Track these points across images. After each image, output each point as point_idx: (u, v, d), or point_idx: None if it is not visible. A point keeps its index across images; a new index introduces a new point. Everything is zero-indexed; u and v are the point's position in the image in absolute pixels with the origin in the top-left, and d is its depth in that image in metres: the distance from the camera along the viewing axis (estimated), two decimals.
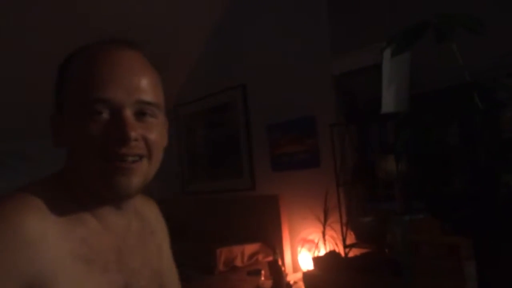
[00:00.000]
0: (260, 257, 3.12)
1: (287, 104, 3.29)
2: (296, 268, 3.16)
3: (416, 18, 2.40)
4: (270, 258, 3.01)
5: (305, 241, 3.04)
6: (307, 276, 2.59)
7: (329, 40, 3.03)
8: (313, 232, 3.00)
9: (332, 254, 2.62)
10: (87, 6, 2.96)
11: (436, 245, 1.78)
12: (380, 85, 2.43)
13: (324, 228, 2.86)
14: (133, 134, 0.71)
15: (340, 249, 2.73)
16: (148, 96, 0.75)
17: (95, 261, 0.72)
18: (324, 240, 2.86)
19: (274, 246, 3.08)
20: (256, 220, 3.31)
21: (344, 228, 2.68)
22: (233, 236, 3.30)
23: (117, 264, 0.76)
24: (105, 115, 0.71)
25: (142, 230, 0.86)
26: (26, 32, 2.89)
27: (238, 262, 3.04)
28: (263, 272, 2.85)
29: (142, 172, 0.75)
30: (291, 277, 2.97)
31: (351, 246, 2.64)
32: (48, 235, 0.67)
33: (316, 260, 2.64)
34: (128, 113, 0.72)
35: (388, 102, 2.43)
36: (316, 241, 2.95)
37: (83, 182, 0.74)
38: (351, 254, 2.65)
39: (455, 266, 1.72)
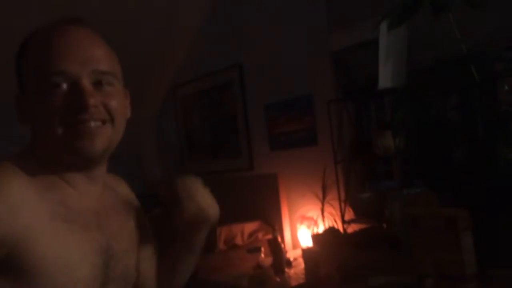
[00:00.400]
0: (259, 235, 3.14)
1: (284, 83, 3.27)
2: (295, 245, 3.19)
3: None
4: (270, 236, 3.04)
5: (304, 218, 3.07)
6: (306, 252, 2.61)
7: (326, 16, 2.99)
8: (312, 209, 3.02)
9: (331, 230, 2.64)
10: None
11: (434, 217, 1.79)
12: (377, 60, 2.42)
13: (323, 205, 2.87)
14: (92, 101, 0.75)
15: (339, 226, 2.75)
16: (103, 66, 0.78)
17: (75, 220, 0.76)
18: (323, 216, 2.88)
19: (273, 224, 3.10)
20: (255, 199, 3.33)
21: (343, 205, 2.69)
22: (233, 215, 3.31)
23: (97, 225, 0.80)
24: (64, 86, 0.75)
25: (115, 200, 0.91)
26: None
27: (238, 241, 3.06)
28: (263, 249, 2.88)
29: (106, 136, 0.78)
30: (291, 254, 3.01)
31: (349, 222, 2.66)
32: (27, 196, 0.70)
33: (315, 237, 2.66)
34: (86, 82, 0.76)
35: (385, 78, 2.42)
36: (315, 218, 2.97)
37: (50, 152, 0.77)
38: (349, 230, 2.67)
39: (452, 238, 1.73)
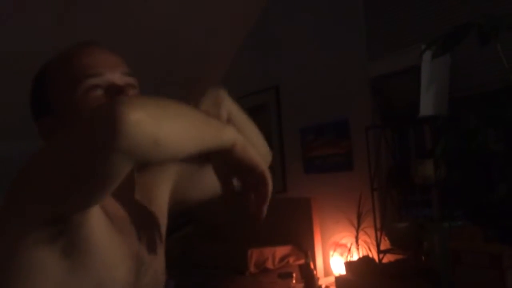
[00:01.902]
0: (291, 260, 3.10)
1: (321, 106, 3.26)
2: (327, 272, 3.13)
3: (454, 20, 2.35)
4: (301, 261, 2.99)
5: (338, 245, 3.01)
6: (340, 280, 2.55)
7: (366, 42, 2.99)
8: (345, 236, 2.96)
9: (365, 259, 2.58)
10: (132, 8, 3.02)
11: (478, 254, 1.72)
12: (417, 88, 2.38)
13: (358, 232, 2.81)
14: (130, 92, 0.76)
15: (374, 255, 2.68)
16: (128, 68, 0.80)
17: (115, 222, 0.76)
18: (357, 244, 2.82)
19: (305, 249, 3.05)
20: (288, 222, 3.29)
21: (378, 233, 2.63)
22: (264, 238, 3.29)
23: (129, 231, 0.79)
24: (101, 88, 0.75)
25: (142, 211, 0.89)
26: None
27: (269, 264, 3.03)
28: (294, 275, 2.83)
29: None
30: (323, 281, 2.94)
31: (385, 251, 2.59)
32: None
33: (349, 264, 2.60)
34: (121, 82, 0.77)
35: (427, 105, 2.37)
36: (348, 245, 2.91)
37: None
38: (385, 260, 2.60)
39: (497, 276, 1.66)
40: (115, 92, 0.75)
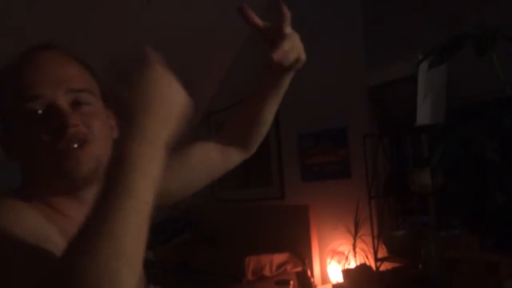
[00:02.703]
0: (288, 267, 3.10)
1: (318, 114, 3.28)
2: (325, 279, 3.13)
3: (450, 30, 2.37)
4: (299, 269, 2.99)
5: (335, 253, 3.01)
6: None
7: (364, 51, 3.01)
8: (343, 244, 2.97)
9: (363, 267, 2.58)
10: (126, 13, 3.04)
11: (475, 262, 1.73)
12: (414, 96, 2.40)
13: (355, 240, 2.82)
14: (71, 120, 0.70)
15: (371, 263, 2.69)
16: (77, 84, 0.74)
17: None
18: (355, 252, 2.83)
19: (303, 256, 3.05)
20: (285, 229, 3.30)
21: (376, 241, 2.63)
22: (262, 245, 3.29)
23: None
24: (40, 111, 0.70)
25: None
26: None
27: (267, 272, 3.03)
28: (291, 282, 2.83)
29: (91, 155, 0.72)
30: None
31: (382, 259, 2.59)
32: (41, 226, 0.67)
33: (347, 272, 2.61)
34: (61, 102, 0.71)
35: (424, 114, 2.39)
36: (346, 253, 2.91)
37: (40, 182, 0.73)
38: (382, 268, 2.60)
39: (494, 285, 1.67)
40: (53, 119, 0.69)
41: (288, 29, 0.88)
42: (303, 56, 0.93)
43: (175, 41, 3.42)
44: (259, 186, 3.77)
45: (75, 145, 0.71)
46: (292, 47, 0.87)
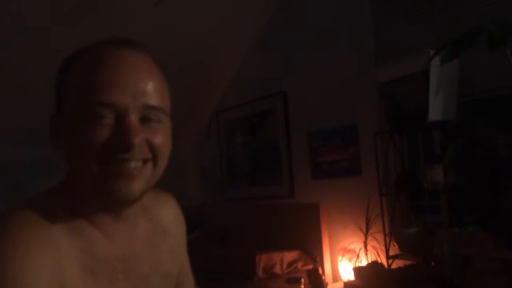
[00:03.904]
0: (299, 265, 3.09)
1: (328, 112, 3.26)
2: (336, 277, 3.12)
3: (461, 26, 2.34)
4: (310, 267, 2.98)
5: (346, 251, 3.00)
6: (348, 286, 2.54)
7: (374, 47, 2.99)
8: (354, 241, 2.95)
9: (374, 265, 2.56)
10: (126, 18, 3.05)
11: (488, 259, 1.71)
12: (426, 93, 2.38)
13: (366, 238, 2.80)
14: (137, 140, 0.66)
15: (383, 260, 2.67)
16: (154, 101, 0.69)
17: (101, 273, 0.68)
18: (366, 250, 2.81)
19: (314, 254, 3.05)
20: (296, 227, 3.29)
21: (387, 239, 2.62)
22: (272, 243, 3.29)
23: (123, 273, 0.72)
24: (109, 119, 0.66)
25: (151, 232, 0.81)
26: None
27: (277, 270, 3.02)
28: (302, 280, 2.82)
29: (145, 176, 0.69)
30: (331, 287, 2.93)
31: (394, 257, 2.58)
32: (61, 247, 0.64)
33: (358, 270, 2.59)
34: (133, 118, 0.67)
35: (436, 110, 2.37)
36: (357, 251, 2.90)
37: (81, 189, 0.69)
38: (394, 266, 2.58)
39: (508, 283, 1.64)
40: (121, 135, 0.65)
41: None
42: None
43: (184, 44, 3.43)
44: (269, 184, 3.77)
45: (132, 165, 0.67)
46: None
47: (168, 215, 0.89)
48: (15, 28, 2.78)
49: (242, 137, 4.07)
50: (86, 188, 0.67)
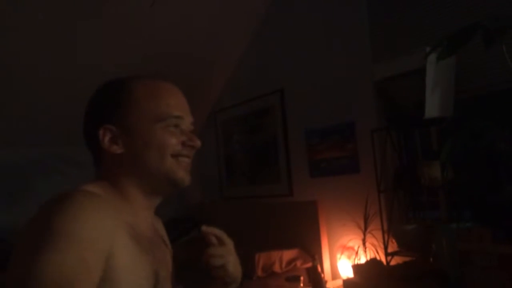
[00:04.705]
0: (298, 263, 3.10)
1: (326, 109, 3.27)
2: (335, 275, 3.12)
3: (458, 22, 2.35)
4: (309, 265, 2.98)
5: (345, 248, 3.00)
6: (347, 283, 2.55)
7: (370, 45, 3.00)
8: (352, 239, 2.96)
9: (373, 262, 2.57)
10: (134, 19, 3.04)
11: (487, 255, 1.71)
12: (422, 89, 2.38)
13: (365, 235, 2.81)
14: (199, 143, 0.94)
15: (382, 257, 2.68)
16: (192, 118, 0.97)
17: (141, 243, 0.85)
18: (365, 247, 2.82)
19: (312, 252, 3.05)
20: (294, 226, 3.30)
21: (386, 236, 2.62)
22: (271, 242, 3.29)
23: (152, 251, 0.88)
24: (178, 128, 0.93)
25: (158, 232, 1.01)
26: (77, 43, 3.00)
27: (277, 268, 3.03)
28: (302, 278, 2.83)
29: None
30: (330, 284, 2.94)
31: (393, 254, 2.58)
32: (114, 218, 0.80)
33: (357, 267, 2.60)
34: (189, 129, 0.95)
35: (432, 107, 2.38)
36: (356, 248, 2.90)
37: (144, 178, 0.90)
38: (393, 263, 2.59)
39: (507, 277, 1.65)
40: (191, 139, 0.93)
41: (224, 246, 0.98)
42: (234, 275, 0.99)
43: (181, 43, 3.43)
44: (268, 183, 3.77)
45: (189, 161, 0.94)
46: (222, 256, 0.96)
47: (161, 228, 1.08)
48: (11, 28, 2.77)
49: (240, 136, 4.07)
50: (159, 176, 0.90)
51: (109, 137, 0.90)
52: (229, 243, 0.99)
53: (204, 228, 0.97)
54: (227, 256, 0.96)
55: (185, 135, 0.93)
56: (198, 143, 0.94)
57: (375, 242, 2.80)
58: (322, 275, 2.78)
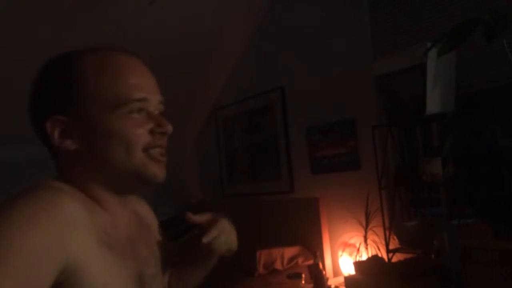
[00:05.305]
0: (300, 260, 3.09)
1: (326, 106, 3.26)
2: (336, 272, 3.12)
3: (459, 18, 2.34)
4: (310, 262, 2.98)
5: (346, 245, 3.00)
6: (349, 280, 2.54)
7: (371, 41, 2.98)
8: (354, 236, 2.95)
9: (375, 259, 2.56)
10: (122, 16, 3.03)
11: (488, 251, 1.70)
12: (423, 85, 2.37)
13: (366, 232, 2.80)
14: (170, 128, 0.78)
15: (383, 254, 2.67)
16: (161, 97, 0.81)
17: (115, 247, 0.74)
18: (366, 244, 2.81)
19: (314, 249, 3.04)
20: (296, 223, 3.29)
21: (387, 232, 2.62)
22: (273, 239, 3.29)
23: (131, 252, 0.78)
24: (143, 113, 0.76)
25: (140, 222, 0.90)
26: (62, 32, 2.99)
27: (278, 265, 3.02)
28: (303, 275, 2.82)
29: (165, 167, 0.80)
30: (332, 281, 2.93)
31: (394, 250, 2.58)
32: (81, 219, 0.68)
33: (358, 264, 2.59)
34: (156, 110, 0.79)
35: (433, 103, 2.36)
36: (357, 245, 2.90)
37: (113, 177, 0.76)
38: (394, 259, 2.58)
39: (508, 273, 1.64)
40: (159, 125, 0.77)
41: (218, 224, 0.90)
42: (233, 246, 0.98)
43: (181, 41, 3.42)
44: (269, 180, 3.77)
45: (164, 153, 0.78)
46: (221, 234, 0.90)
47: (147, 211, 0.97)
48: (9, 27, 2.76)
49: (240, 133, 4.06)
50: (114, 173, 0.75)
51: (59, 130, 0.74)
52: (218, 220, 0.90)
53: (189, 215, 0.87)
54: (221, 236, 0.89)
55: (152, 120, 0.77)
56: (169, 128, 0.77)
57: (377, 239, 2.80)
58: (324, 272, 2.78)
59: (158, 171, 0.77)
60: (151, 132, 0.76)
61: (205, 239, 0.86)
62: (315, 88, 3.34)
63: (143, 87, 0.76)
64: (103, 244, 0.71)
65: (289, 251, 3.10)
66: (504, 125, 1.81)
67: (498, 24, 1.73)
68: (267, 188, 3.76)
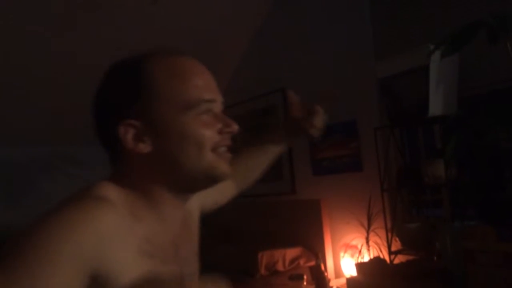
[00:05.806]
0: (301, 261, 3.09)
1: (328, 108, 3.25)
2: (338, 273, 3.12)
3: (461, 20, 2.34)
4: (312, 263, 2.98)
5: (348, 247, 3.00)
6: (351, 282, 2.54)
7: (373, 43, 2.98)
8: (356, 237, 2.95)
9: (377, 260, 2.57)
10: (124, 18, 3.04)
11: (491, 253, 1.71)
12: (426, 87, 2.37)
13: (368, 233, 2.80)
14: (237, 127, 0.81)
15: (385, 256, 2.67)
16: (222, 97, 0.83)
17: (157, 255, 0.75)
18: (368, 246, 2.81)
19: (316, 251, 3.04)
20: (297, 224, 3.29)
21: (389, 234, 2.62)
22: (274, 240, 3.29)
23: (173, 256, 0.79)
24: (210, 114, 0.79)
25: (188, 217, 0.89)
26: (80, 44, 3.00)
27: (280, 267, 3.02)
28: (305, 277, 2.82)
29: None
30: (334, 283, 2.93)
31: (396, 252, 2.58)
32: (119, 232, 0.69)
33: (360, 266, 2.59)
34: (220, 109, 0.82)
35: (436, 105, 2.36)
36: (359, 246, 2.90)
37: (184, 178, 0.78)
38: (396, 261, 2.58)
39: (511, 275, 1.64)
40: (228, 125, 0.80)
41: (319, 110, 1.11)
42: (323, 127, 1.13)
43: (182, 43, 3.42)
44: (270, 181, 3.76)
45: (228, 153, 0.81)
46: (319, 121, 1.09)
47: (194, 201, 0.95)
48: (14, 29, 2.77)
49: (242, 135, 4.05)
50: (196, 173, 0.77)
51: (132, 134, 0.75)
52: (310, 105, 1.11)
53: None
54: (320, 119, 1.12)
55: (220, 120, 0.79)
56: (235, 127, 0.80)
57: (379, 241, 2.80)
58: (326, 273, 2.78)
59: (226, 169, 0.80)
60: (220, 132, 0.79)
61: (313, 132, 1.07)
62: (316, 89, 3.34)
63: (209, 88, 0.79)
64: (144, 255, 0.72)
65: (291, 253, 3.10)
66: (506, 127, 1.81)
67: (501, 27, 1.73)
68: (268, 189, 3.75)
